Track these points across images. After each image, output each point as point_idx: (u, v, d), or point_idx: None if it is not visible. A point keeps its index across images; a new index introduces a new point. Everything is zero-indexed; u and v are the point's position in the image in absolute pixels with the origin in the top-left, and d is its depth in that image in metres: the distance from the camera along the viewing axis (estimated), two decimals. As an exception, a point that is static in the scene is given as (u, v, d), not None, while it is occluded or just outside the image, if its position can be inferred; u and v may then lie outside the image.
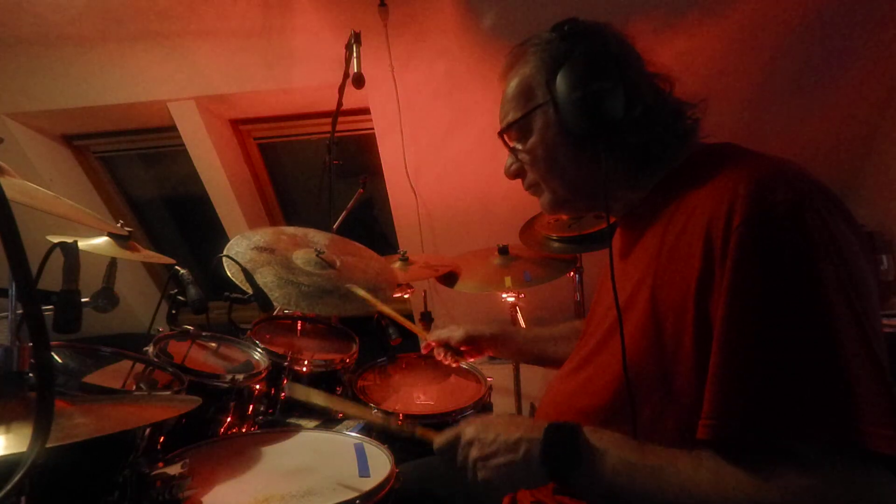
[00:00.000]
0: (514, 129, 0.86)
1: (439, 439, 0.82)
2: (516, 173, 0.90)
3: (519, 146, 0.87)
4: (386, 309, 1.42)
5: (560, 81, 0.77)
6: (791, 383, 0.59)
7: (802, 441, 0.59)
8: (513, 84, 0.85)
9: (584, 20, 0.81)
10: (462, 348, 1.30)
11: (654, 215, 0.79)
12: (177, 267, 1.35)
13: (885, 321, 1.80)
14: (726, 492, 0.61)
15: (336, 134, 1.97)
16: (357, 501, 0.84)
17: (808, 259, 0.61)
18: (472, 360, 1.34)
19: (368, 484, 0.89)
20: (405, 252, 2.03)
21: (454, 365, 1.34)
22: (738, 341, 0.62)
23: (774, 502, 0.59)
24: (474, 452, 0.76)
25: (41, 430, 0.42)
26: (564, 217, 1.88)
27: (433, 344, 1.33)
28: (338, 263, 1.56)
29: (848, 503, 0.57)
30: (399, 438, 0.92)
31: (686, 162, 0.79)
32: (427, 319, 2.23)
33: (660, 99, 0.80)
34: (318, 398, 0.96)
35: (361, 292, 1.40)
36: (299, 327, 1.73)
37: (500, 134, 0.88)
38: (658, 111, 0.78)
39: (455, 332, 1.29)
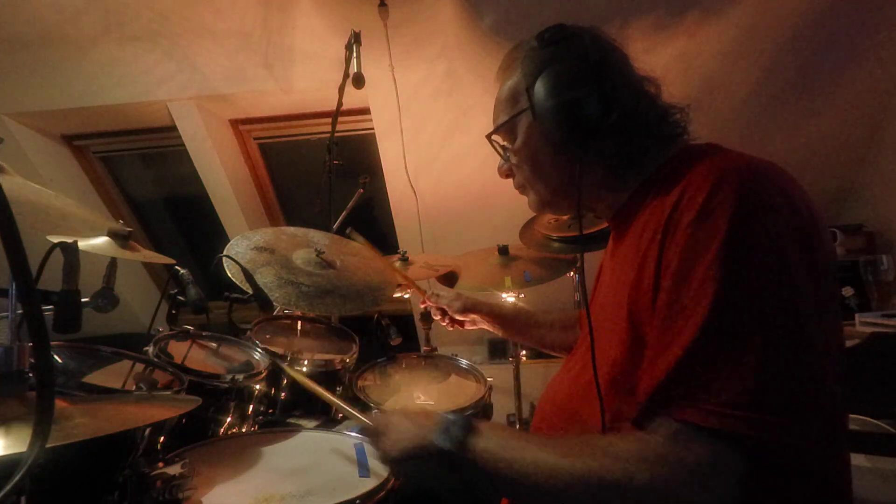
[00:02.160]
0: (503, 132, 0.89)
1: (367, 424, 0.91)
2: (507, 173, 0.94)
3: (508, 147, 0.90)
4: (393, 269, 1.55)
5: (538, 89, 0.79)
6: (675, 360, 0.62)
7: (662, 415, 0.63)
8: (503, 88, 0.88)
9: (569, 26, 0.82)
10: (458, 317, 1.39)
11: (634, 216, 0.80)
12: (177, 267, 1.35)
13: (885, 321, 1.80)
14: (564, 466, 0.66)
15: (336, 134, 1.97)
16: (357, 501, 0.84)
17: (735, 254, 0.62)
18: (466, 328, 1.43)
19: (368, 484, 0.89)
20: (405, 252, 2.03)
21: (450, 328, 1.44)
22: (659, 317, 0.65)
23: (602, 465, 0.63)
24: (388, 435, 0.84)
25: (41, 430, 0.42)
26: (564, 217, 1.88)
27: (431, 304, 1.43)
28: (338, 263, 1.56)
29: (686, 477, 0.60)
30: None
31: (667, 162, 0.80)
32: (427, 319, 2.22)
33: (642, 103, 0.80)
34: None
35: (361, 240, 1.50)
36: (299, 327, 1.73)
37: (489, 136, 0.92)
38: (639, 116, 0.79)
39: (454, 303, 1.39)
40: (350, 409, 1.02)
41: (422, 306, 1.48)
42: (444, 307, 1.40)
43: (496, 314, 1.36)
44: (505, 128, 0.88)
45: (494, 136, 0.91)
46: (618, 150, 0.80)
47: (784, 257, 0.62)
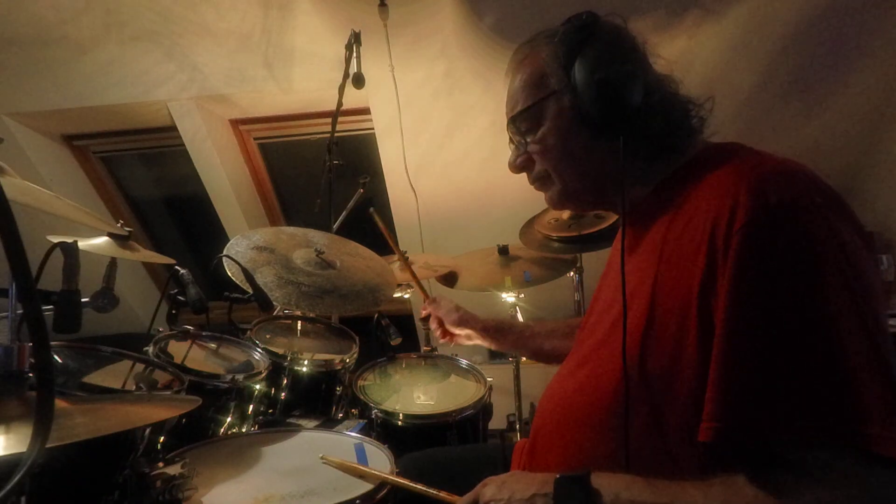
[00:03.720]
0: (525, 118, 0.85)
1: (459, 503, 0.82)
2: (523, 165, 0.89)
3: (529, 137, 0.86)
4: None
5: (579, 66, 0.77)
6: (793, 387, 0.59)
7: (807, 447, 0.58)
8: (523, 75, 0.85)
9: (600, 14, 0.81)
10: (455, 330, 1.34)
11: (657, 213, 0.79)
12: (177, 267, 1.35)
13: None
14: None
15: (336, 134, 1.97)
16: (357, 501, 0.84)
17: (809, 259, 0.61)
18: (464, 342, 1.36)
19: (368, 484, 0.90)
20: (405, 252, 2.02)
21: (443, 340, 1.38)
22: (739, 344, 0.62)
23: None
24: None
25: (41, 430, 0.42)
26: (565, 216, 1.88)
27: (429, 311, 1.37)
28: (338, 263, 1.56)
29: None
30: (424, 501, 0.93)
31: (691, 160, 0.80)
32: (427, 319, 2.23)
33: (670, 93, 0.80)
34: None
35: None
36: (299, 327, 1.73)
37: (511, 122, 0.87)
38: (671, 104, 0.79)
39: (451, 314, 1.33)
40: (434, 491, 0.89)
41: (423, 312, 1.43)
42: (441, 317, 1.35)
43: (490, 329, 1.31)
44: (529, 112, 0.84)
45: (515, 125, 0.87)
46: (655, 132, 0.78)
47: (852, 256, 0.62)
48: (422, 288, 1.53)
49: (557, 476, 0.72)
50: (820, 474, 0.57)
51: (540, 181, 0.89)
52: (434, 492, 0.87)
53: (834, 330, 0.59)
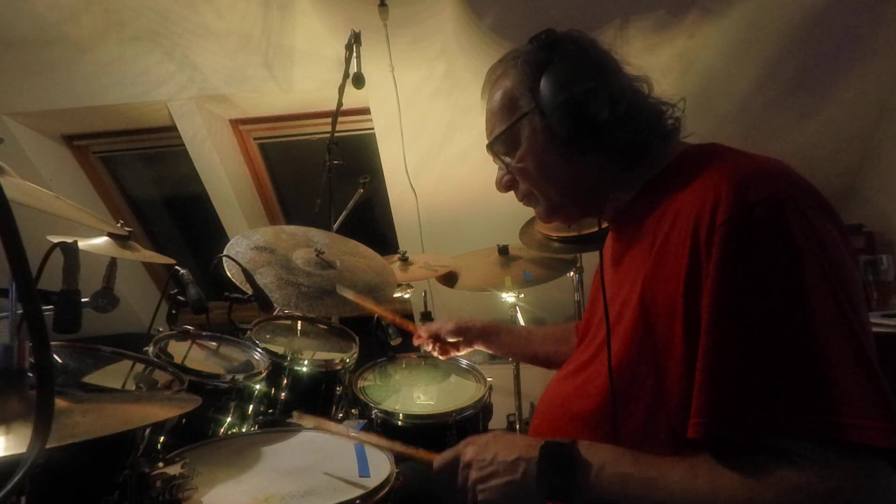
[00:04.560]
0: (502, 142, 0.87)
1: (438, 460, 0.83)
2: (508, 185, 0.91)
3: (508, 158, 0.88)
4: (377, 309, 1.42)
5: (543, 87, 0.78)
6: (775, 380, 0.60)
7: (791, 437, 0.60)
8: (495, 98, 0.86)
9: (560, 31, 0.82)
10: (451, 340, 1.30)
11: (642, 218, 0.80)
12: (177, 267, 1.35)
13: (885, 321, 1.80)
14: (722, 497, 0.61)
15: (336, 134, 1.97)
16: (357, 501, 0.84)
17: (790, 255, 0.61)
18: (460, 352, 1.33)
19: (368, 484, 0.90)
20: (405, 252, 2.03)
21: (443, 357, 1.34)
22: (723, 339, 0.63)
23: (770, 503, 0.59)
24: (473, 474, 0.76)
25: (41, 430, 0.42)
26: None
27: (423, 335, 1.32)
28: (338, 263, 1.56)
29: (846, 498, 0.57)
30: (401, 459, 0.93)
31: (672, 163, 0.80)
32: (427, 319, 2.23)
33: (640, 100, 0.81)
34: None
35: (350, 295, 1.40)
36: (299, 327, 1.73)
37: (489, 148, 0.89)
38: (639, 111, 0.79)
39: (445, 324, 1.30)
40: (412, 450, 0.91)
41: (415, 342, 1.38)
42: (436, 330, 1.31)
43: (489, 330, 1.29)
44: (505, 136, 0.86)
45: (493, 149, 0.89)
46: (626, 144, 0.79)
47: (832, 252, 0.62)
48: (407, 322, 1.46)
49: (543, 442, 0.72)
50: (803, 462, 0.59)
51: (527, 199, 0.92)
52: (413, 451, 0.89)
53: (814, 324, 0.60)
